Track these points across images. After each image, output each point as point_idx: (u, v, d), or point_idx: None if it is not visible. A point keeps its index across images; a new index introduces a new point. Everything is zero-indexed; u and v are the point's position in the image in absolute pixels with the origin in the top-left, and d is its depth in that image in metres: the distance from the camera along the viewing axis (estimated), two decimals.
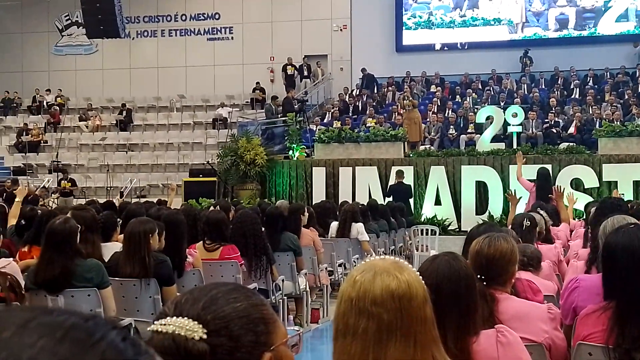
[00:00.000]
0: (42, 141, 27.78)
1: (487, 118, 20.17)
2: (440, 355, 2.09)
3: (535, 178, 13.03)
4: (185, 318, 1.39)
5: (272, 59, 28.75)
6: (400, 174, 17.71)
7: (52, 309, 0.80)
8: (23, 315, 0.77)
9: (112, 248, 6.81)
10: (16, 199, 9.04)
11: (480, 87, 25.36)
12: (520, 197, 10.73)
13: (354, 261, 10.58)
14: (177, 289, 6.33)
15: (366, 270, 2.07)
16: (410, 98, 21.54)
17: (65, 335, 0.75)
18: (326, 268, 10.27)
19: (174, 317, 1.40)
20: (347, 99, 25.95)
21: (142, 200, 19.41)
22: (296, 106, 24.91)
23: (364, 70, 27.20)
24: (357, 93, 26.37)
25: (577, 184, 17.24)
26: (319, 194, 18.62)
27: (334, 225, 11.44)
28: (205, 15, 29.82)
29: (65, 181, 23.29)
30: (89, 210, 7.02)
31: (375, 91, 26.62)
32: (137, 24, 29.69)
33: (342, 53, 28.34)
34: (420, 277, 2.10)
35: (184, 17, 29.99)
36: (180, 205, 14.01)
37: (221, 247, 7.77)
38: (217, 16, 29.72)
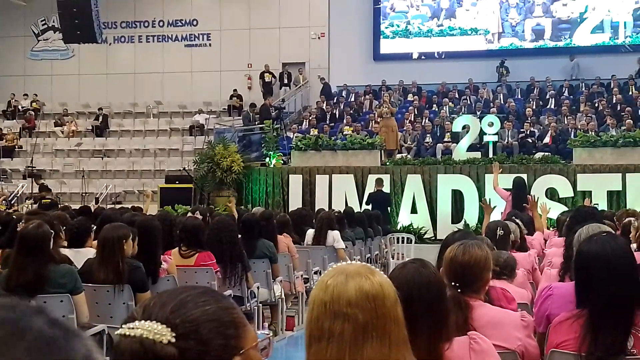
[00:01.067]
0: (16, 146, 27.57)
1: (464, 127, 20.25)
2: (409, 356, 2.09)
3: (511, 187, 13.11)
4: (154, 321, 1.38)
5: (249, 66, 28.73)
6: (379, 182, 17.75)
7: None
8: None
9: (85, 254, 6.76)
10: None
11: (457, 96, 25.48)
12: (494, 206, 10.77)
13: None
14: (151, 295, 6.29)
15: (337, 274, 2.07)
16: (389, 105, 21.59)
17: None
18: (302, 275, 10.26)
19: (142, 321, 1.38)
20: (324, 107, 25.97)
21: (118, 206, 19.28)
22: (273, 113, 24.90)
23: (322, 79, 27.37)
24: (319, 102, 26.41)
25: (552, 194, 17.35)
26: (295, 202, 18.61)
27: (310, 232, 11.43)
28: (183, 22, 29.76)
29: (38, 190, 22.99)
30: (45, 214, 6.97)
31: (337, 100, 26.60)
32: (114, 29, 29.57)
33: (320, 61, 28.37)
34: (392, 282, 2.10)
35: (161, 23, 29.91)
36: (156, 212, 13.94)
37: (197, 253, 7.74)
38: (194, 22, 29.67)
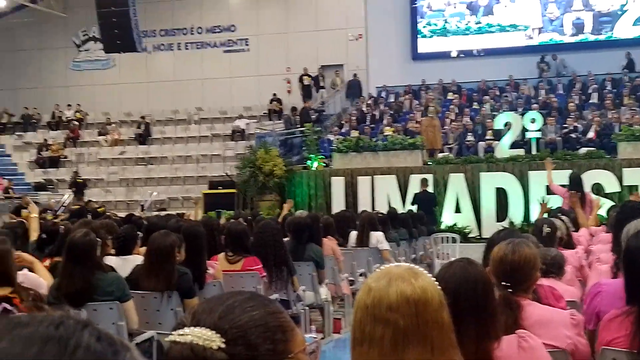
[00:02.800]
0: (61, 156, 27.97)
1: (505, 124, 20.09)
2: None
3: (567, 183, 12.93)
4: (203, 328, 1.39)
5: (288, 69, 28.81)
6: (424, 182, 17.69)
7: (16, 322, 0.78)
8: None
9: (132, 261, 6.82)
10: (32, 215, 9.07)
11: (497, 93, 25.28)
12: (551, 207, 10.65)
13: (375, 270, 10.51)
14: (198, 301, 6.33)
15: (381, 277, 2.06)
16: (435, 104, 21.49)
17: (40, 352, 0.73)
18: (347, 277, 10.25)
19: (192, 327, 1.39)
20: (364, 108, 25.95)
21: (163, 213, 19.46)
22: (314, 116, 24.95)
23: (355, 75, 27.45)
24: (358, 103, 26.39)
25: (597, 189, 17.11)
26: (338, 204, 18.60)
27: (353, 234, 11.41)
28: (221, 28, 29.94)
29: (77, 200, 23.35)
30: (92, 223, 7.02)
31: (376, 101, 26.59)
32: (154, 37, 29.86)
33: (358, 62, 28.34)
34: (437, 283, 2.09)
35: (199, 30, 30.13)
36: (200, 218, 14.06)
37: (243, 258, 7.77)
38: (232, 28, 29.83)
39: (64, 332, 0.77)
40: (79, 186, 24.69)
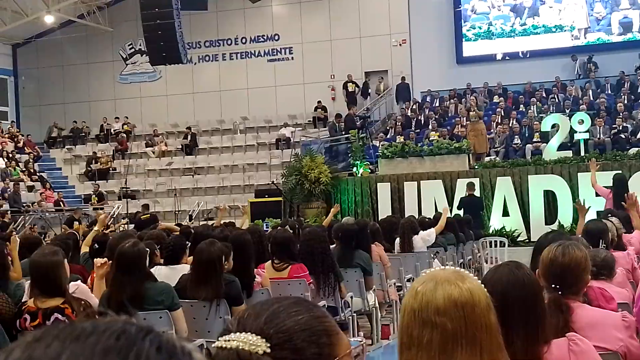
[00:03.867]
0: (110, 168, 28.36)
1: (553, 126, 19.87)
2: None
3: (611, 185, 12.76)
4: (249, 333, 1.40)
5: (332, 76, 28.86)
6: (471, 186, 17.57)
7: (79, 332, 0.78)
8: (52, 351, 0.75)
9: (181, 270, 6.89)
10: (95, 227, 9.19)
11: (544, 95, 25.01)
12: (589, 207, 10.50)
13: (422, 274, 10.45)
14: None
15: (427, 281, 2.05)
16: (476, 109, 21.36)
17: None
18: (394, 283, 10.22)
19: (237, 333, 1.40)
20: (409, 113, 25.88)
21: (210, 222, 19.60)
22: (358, 123, 24.94)
23: (403, 78, 27.41)
24: (403, 108, 26.30)
25: None
26: (384, 210, 18.55)
27: (399, 240, 11.37)
28: (265, 37, 30.11)
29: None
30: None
31: (421, 106, 26.49)
32: (199, 49, 30.15)
33: (403, 67, 28.27)
34: (484, 286, 2.07)
35: (244, 40, 30.33)
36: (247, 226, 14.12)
37: (290, 266, 7.79)
38: (276, 37, 29.98)
39: (124, 343, 0.77)
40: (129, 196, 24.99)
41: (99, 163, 28.27)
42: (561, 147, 19.23)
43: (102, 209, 23.41)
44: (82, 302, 5.36)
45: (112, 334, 0.78)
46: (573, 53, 26.46)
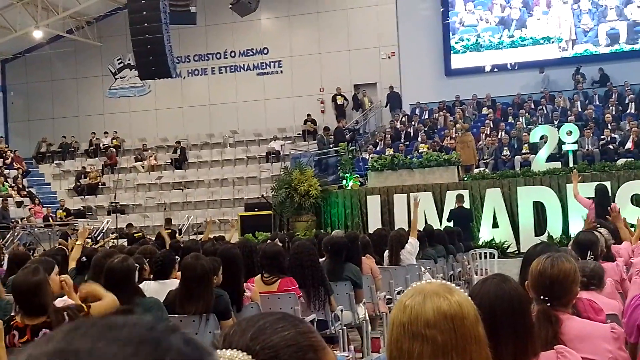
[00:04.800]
0: (100, 183, 28.28)
1: (542, 137, 19.94)
2: None
3: (593, 195, 12.83)
4: (235, 350, 1.39)
5: (321, 90, 28.92)
6: (460, 198, 17.61)
7: (112, 324, 0.81)
8: (88, 340, 0.78)
9: (170, 285, 6.86)
10: (77, 242, 9.17)
11: (532, 106, 25.12)
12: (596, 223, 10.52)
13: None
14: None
15: (415, 294, 2.05)
16: (462, 122, 21.45)
17: (135, 352, 0.76)
18: (384, 296, 10.20)
19: (224, 350, 1.40)
20: (398, 126, 25.93)
21: (199, 236, 19.57)
22: (348, 135, 24.98)
23: (391, 87, 27.53)
24: (392, 121, 26.36)
25: (637, 200, 16.90)
26: (374, 222, 18.55)
27: (386, 253, 11.37)
28: (254, 51, 30.16)
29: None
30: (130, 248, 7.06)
31: (410, 118, 26.55)
32: (188, 62, 30.17)
33: (392, 80, 28.34)
34: (472, 299, 2.07)
35: (233, 54, 30.37)
36: (236, 240, 14.11)
37: (279, 279, 7.77)
38: (265, 51, 30.03)
39: (156, 335, 0.80)
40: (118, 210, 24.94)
41: (88, 178, 28.19)
42: (550, 159, 19.29)
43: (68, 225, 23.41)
44: (68, 311, 5.32)
45: (143, 327, 0.82)
46: (562, 64, 26.59)
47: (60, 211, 25.53)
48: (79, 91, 31.38)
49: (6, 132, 32.20)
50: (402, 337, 2.01)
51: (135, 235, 19.55)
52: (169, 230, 18.11)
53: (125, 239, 19.42)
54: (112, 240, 21.50)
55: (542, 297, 3.41)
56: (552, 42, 27.29)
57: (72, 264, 8.47)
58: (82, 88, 31.34)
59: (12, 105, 32.42)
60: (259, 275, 7.87)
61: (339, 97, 28.11)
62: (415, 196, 13.81)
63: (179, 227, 24.03)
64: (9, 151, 30.03)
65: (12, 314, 5.56)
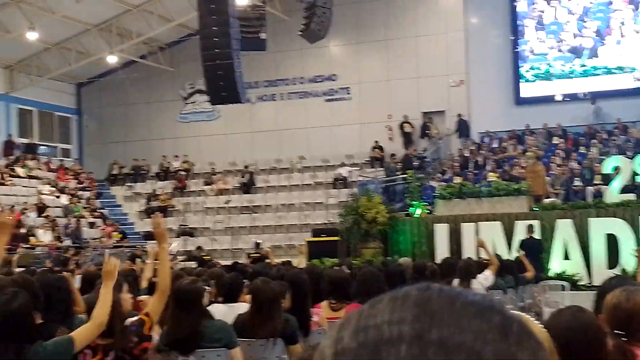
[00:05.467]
0: (169, 206, 28.69)
1: (614, 168, 19.53)
2: None
3: None
4: None
5: (389, 116, 28.88)
6: (530, 228, 17.33)
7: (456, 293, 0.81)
8: (447, 298, 0.79)
9: (238, 308, 6.90)
10: (147, 260, 9.31)
11: (605, 137, 24.65)
12: None
13: None
14: (302, 347, 6.33)
15: None
16: (534, 149, 21.14)
17: (490, 318, 0.77)
18: None
19: None
20: (466, 154, 25.73)
21: (267, 261, 19.65)
22: (415, 163, 24.87)
23: (459, 115, 27.32)
24: (461, 149, 26.13)
25: None
26: (442, 251, 18.36)
27: (455, 282, 11.23)
28: (323, 77, 30.33)
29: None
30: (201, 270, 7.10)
31: (479, 147, 26.30)
32: (257, 88, 30.48)
33: (460, 108, 28.16)
34: (547, 330, 2.03)
35: (302, 80, 30.59)
36: (304, 265, 14.12)
37: (346, 306, 7.74)
38: (334, 77, 30.18)
39: (499, 305, 0.80)
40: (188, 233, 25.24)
41: (158, 200, 28.63)
42: (623, 190, 18.88)
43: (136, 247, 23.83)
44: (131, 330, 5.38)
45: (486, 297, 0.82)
46: (636, 94, 26.06)
47: (116, 233, 26.04)
48: (151, 115, 31.97)
49: (81, 155, 32.99)
50: None
51: (203, 257, 19.79)
52: (258, 255, 18.44)
53: (194, 261, 19.60)
54: (180, 263, 21.74)
55: (616, 331, 3.32)
56: (626, 72, 26.79)
57: (143, 284, 8.60)
58: (154, 112, 31.93)
59: (87, 129, 33.21)
60: (326, 301, 7.85)
61: (407, 124, 28.06)
62: (477, 239, 13.70)
63: (246, 251, 24.18)
64: (82, 173, 30.74)
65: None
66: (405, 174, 22.62)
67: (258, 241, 22.47)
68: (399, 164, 25.63)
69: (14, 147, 29.53)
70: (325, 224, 23.88)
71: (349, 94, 30.03)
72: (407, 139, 27.73)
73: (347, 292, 7.87)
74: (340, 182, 27.40)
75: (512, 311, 0.80)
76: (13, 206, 24.33)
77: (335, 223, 21.82)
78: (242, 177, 29.33)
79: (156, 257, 9.68)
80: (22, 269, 13.84)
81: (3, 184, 26.58)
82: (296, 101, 30.65)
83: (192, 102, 32.04)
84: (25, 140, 30.43)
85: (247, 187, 28.97)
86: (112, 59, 30.22)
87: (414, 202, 20.44)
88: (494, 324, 0.77)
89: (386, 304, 0.81)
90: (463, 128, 27.58)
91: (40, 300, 5.32)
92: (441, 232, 19.01)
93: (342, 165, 28.14)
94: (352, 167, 27.91)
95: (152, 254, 9.77)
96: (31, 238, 23.48)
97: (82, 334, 4.92)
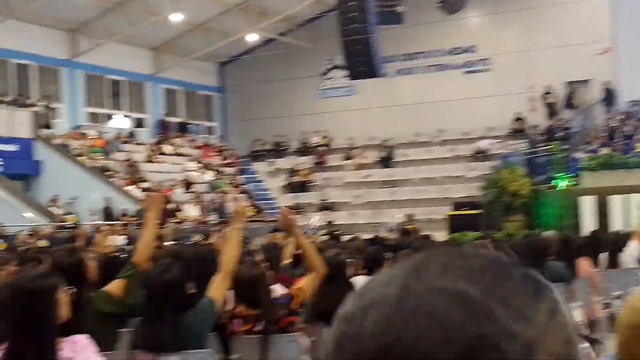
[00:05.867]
0: (309, 181, 29.11)
1: None
2: None
3: None
4: None
5: (531, 87, 28.11)
6: None
7: (462, 253, 0.79)
8: (441, 260, 0.77)
9: None
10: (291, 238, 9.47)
11: None
12: None
13: (633, 292, 9.91)
14: None
15: None
16: None
17: (482, 267, 0.75)
18: (601, 301, 9.77)
19: None
20: (613, 124, 24.77)
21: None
22: (559, 134, 24.18)
23: (606, 84, 26.20)
24: (608, 119, 25.12)
25: None
26: (587, 224, 17.82)
27: (603, 256, 10.87)
28: (461, 49, 29.87)
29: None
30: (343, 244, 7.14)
31: (627, 116, 25.19)
32: (394, 62, 30.33)
33: (606, 77, 27.05)
34: None
35: (439, 53, 30.24)
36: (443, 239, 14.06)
37: None
38: (472, 49, 29.66)
39: (501, 260, 0.78)
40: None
41: (298, 176, 29.10)
42: None
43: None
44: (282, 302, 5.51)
45: (489, 254, 0.80)
46: None
47: (252, 208, 26.81)
48: (290, 92, 32.42)
49: (224, 132, 33.94)
50: (632, 339, 1.92)
51: (334, 233, 19.99)
52: (413, 226, 18.67)
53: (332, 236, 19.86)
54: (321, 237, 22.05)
55: None
56: None
57: (286, 259, 8.78)
58: (293, 89, 32.36)
59: (230, 106, 34.10)
60: None
61: (550, 94, 27.26)
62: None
63: (386, 226, 24.26)
64: (226, 150, 31.64)
65: (228, 307, 5.84)
66: (549, 145, 22.03)
67: (408, 214, 22.59)
68: (542, 135, 24.96)
69: (167, 127, 30.78)
70: (465, 197, 23.61)
71: (488, 65, 29.45)
72: (551, 109, 26.97)
73: None
74: (480, 155, 27.00)
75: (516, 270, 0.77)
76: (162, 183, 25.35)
77: (476, 196, 21.55)
78: (381, 151, 29.37)
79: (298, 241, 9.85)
80: (173, 242, 14.43)
81: (152, 162, 27.70)
82: (434, 74, 30.35)
83: (330, 78, 32.27)
84: (175, 119, 31.65)
85: (386, 162, 29.01)
86: (253, 38, 30.81)
87: (558, 174, 19.91)
88: (484, 266, 0.75)
89: (391, 269, 0.78)
90: (609, 97, 26.55)
91: (193, 271, 5.54)
92: (587, 205, 18.46)
93: (483, 138, 27.70)
94: (493, 139, 27.44)
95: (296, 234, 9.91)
96: (178, 213, 24.39)
97: (216, 288, 5.08)
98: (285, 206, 26.98)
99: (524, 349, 0.69)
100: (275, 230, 21.18)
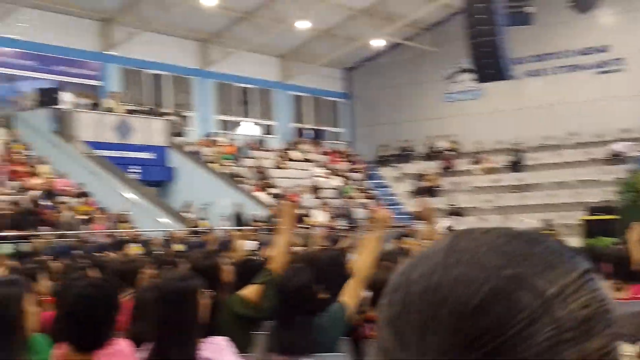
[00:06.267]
0: (437, 186, 28.87)
1: None
2: None
3: None
4: None
5: None
6: None
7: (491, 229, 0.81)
8: (485, 227, 0.80)
9: None
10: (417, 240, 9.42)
11: None
12: None
13: None
14: None
15: None
16: None
17: (508, 242, 0.76)
18: None
19: None
20: None
21: None
22: None
23: None
24: None
25: None
26: None
27: None
28: (593, 49, 28.95)
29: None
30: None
31: None
32: (523, 63, 29.69)
33: None
34: None
35: (570, 53, 29.42)
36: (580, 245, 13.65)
37: (630, 286, 7.36)
38: (605, 48, 28.69)
39: (534, 233, 0.80)
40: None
41: (426, 180, 28.91)
42: None
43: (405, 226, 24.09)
44: None
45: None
46: None
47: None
48: (416, 97, 32.25)
49: (352, 137, 34.12)
50: None
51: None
52: (553, 231, 18.59)
53: None
54: None
55: None
56: None
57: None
58: (420, 93, 32.19)
59: (356, 112, 34.24)
60: (609, 282, 7.51)
61: None
62: None
63: None
64: (353, 155, 31.81)
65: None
66: None
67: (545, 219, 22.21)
68: None
69: (302, 134, 31.36)
70: (601, 201, 22.83)
71: (622, 65, 28.42)
72: None
73: (628, 270, 7.49)
74: (616, 158, 26.07)
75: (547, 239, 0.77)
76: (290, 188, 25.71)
77: (611, 201, 20.80)
78: (510, 155, 28.81)
79: (426, 236, 9.80)
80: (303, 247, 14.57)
81: (281, 168, 28.14)
82: (565, 75, 29.55)
83: (457, 82, 31.93)
84: (306, 126, 32.18)
85: (516, 166, 28.44)
86: (378, 43, 30.84)
87: None
88: (525, 233, 0.78)
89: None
90: None
91: (323, 275, 5.57)
92: None
93: (617, 140, 26.74)
94: (629, 141, 26.44)
95: (422, 234, 9.89)
96: (306, 218, 24.65)
97: (349, 293, 5.08)
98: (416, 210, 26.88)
99: (559, 292, 0.72)
100: (402, 235, 21.13)
